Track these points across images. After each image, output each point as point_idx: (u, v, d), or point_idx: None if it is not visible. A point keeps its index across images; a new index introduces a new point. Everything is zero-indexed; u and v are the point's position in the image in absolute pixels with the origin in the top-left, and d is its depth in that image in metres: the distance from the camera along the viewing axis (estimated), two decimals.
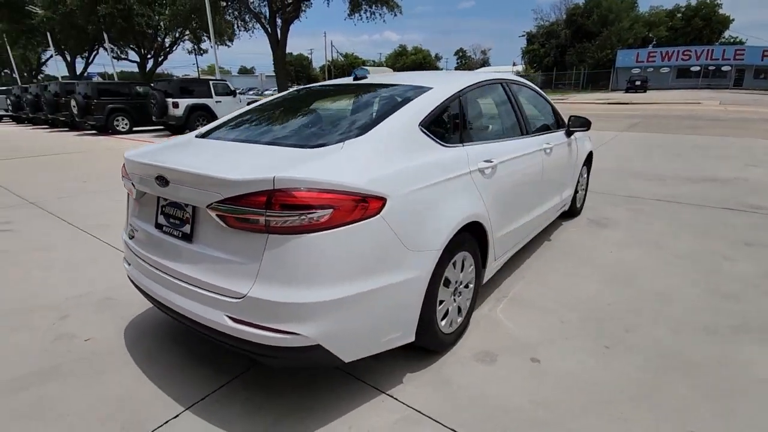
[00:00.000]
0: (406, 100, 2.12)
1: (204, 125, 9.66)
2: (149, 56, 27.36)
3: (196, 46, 28.96)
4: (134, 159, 1.92)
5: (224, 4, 19.06)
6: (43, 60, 39.39)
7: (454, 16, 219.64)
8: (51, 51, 31.98)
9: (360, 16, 21.53)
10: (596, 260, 3.36)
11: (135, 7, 20.33)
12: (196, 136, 2.31)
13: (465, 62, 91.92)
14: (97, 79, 36.97)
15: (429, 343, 2.09)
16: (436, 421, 1.78)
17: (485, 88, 2.75)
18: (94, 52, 32.14)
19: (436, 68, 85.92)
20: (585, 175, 4.47)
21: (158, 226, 1.90)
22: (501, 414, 1.81)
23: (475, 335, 2.39)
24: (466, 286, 2.33)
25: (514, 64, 63.75)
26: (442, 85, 2.32)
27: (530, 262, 3.32)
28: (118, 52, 30.30)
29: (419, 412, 1.83)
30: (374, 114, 2.04)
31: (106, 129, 13.83)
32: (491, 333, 2.41)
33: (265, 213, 1.48)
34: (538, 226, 3.31)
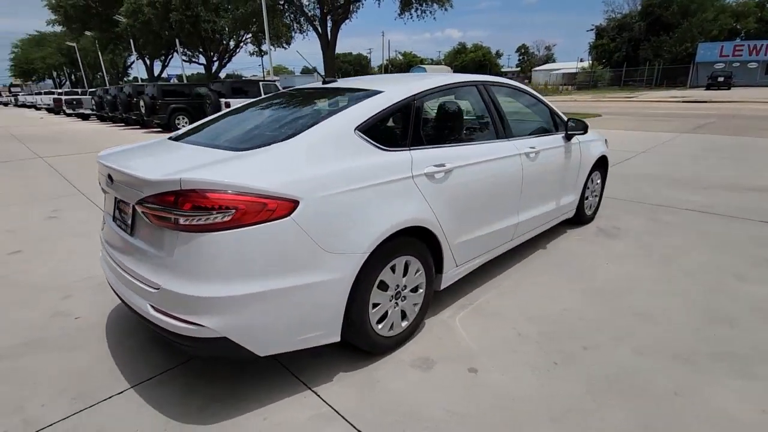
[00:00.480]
0: (351, 105, 2.16)
1: None
2: (215, 59, 29.38)
3: (257, 49, 30.54)
4: (98, 158, 2.14)
5: (281, 7, 19.92)
6: (128, 64, 43.40)
7: (518, 11, 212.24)
8: (134, 56, 35.30)
9: (410, 14, 21.55)
10: (587, 273, 3.17)
11: (201, 14, 21.92)
12: (169, 138, 2.50)
13: (527, 59, 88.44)
14: (174, 80, 40.20)
15: (361, 344, 2.12)
16: (346, 420, 1.81)
17: (452, 90, 2.71)
18: (170, 56, 34.93)
19: (496, 66, 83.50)
20: (597, 181, 4.21)
21: (114, 219, 2.11)
22: (410, 421, 1.80)
23: (423, 340, 2.38)
24: (414, 291, 2.32)
25: (581, 60, 60.35)
26: (394, 90, 2.32)
27: (513, 271, 3.21)
28: (190, 56, 32.77)
29: (335, 410, 1.87)
30: (316, 118, 2.09)
31: (168, 127, 15.04)
32: (440, 340, 2.38)
33: (173, 212, 1.60)
34: (523, 233, 3.19)
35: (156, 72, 37.08)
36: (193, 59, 32.55)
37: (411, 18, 21.96)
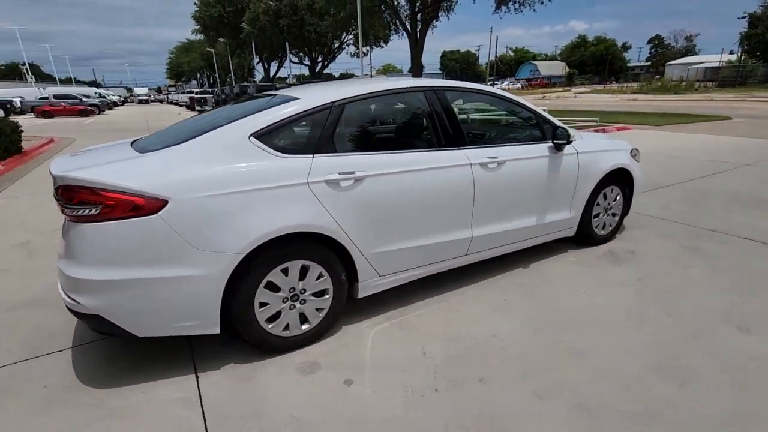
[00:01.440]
0: (257, 112, 2.27)
1: None
2: (319, 60, 31.48)
3: (357, 49, 31.96)
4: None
5: (377, 9, 20.54)
6: (252, 66, 48.61)
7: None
8: (255, 59, 39.46)
9: (508, 8, 20.55)
10: (551, 299, 2.83)
11: (306, 17, 23.66)
12: (131, 143, 2.74)
13: (661, 51, 77.86)
14: (290, 80, 44.14)
15: (249, 339, 2.23)
16: (202, 408, 1.95)
17: (388, 97, 2.63)
18: (284, 59, 38.34)
19: (621, 60, 75.16)
20: (617, 197, 3.68)
21: None
22: (252, 419, 1.87)
23: (326, 346, 2.40)
24: (320, 295, 2.35)
25: (730, 53, 51.27)
26: (312, 97, 2.37)
27: (471, 288, 3.00)
28: (301, 57, 35.59)
29: (200, 397, 2.02)
30: (223, 123, 2.23)
31: None
32: (343, 348, 2.38)
33: (62, 203, 1.90)
34: (486, 248, 2.97)
35: (272, 73, 41.08)
36: (304, 61, 35.33)
37: (509, 12, 20.97)
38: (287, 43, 26.79)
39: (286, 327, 2.30)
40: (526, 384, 2.05)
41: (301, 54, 34.03)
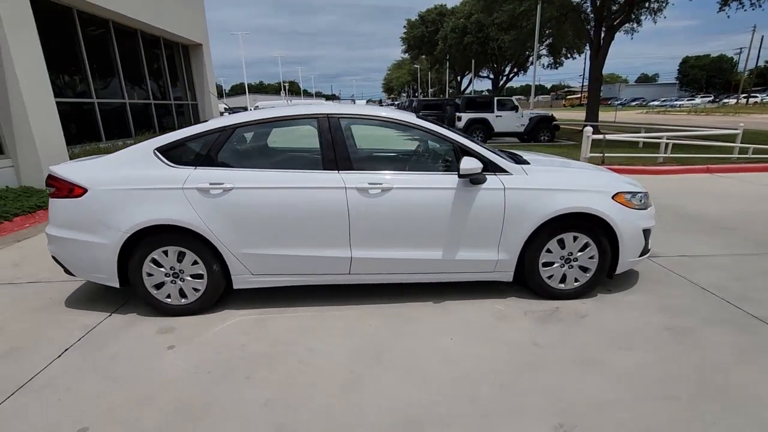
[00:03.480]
0: (178, 130, 3.01)
1: (479, 136, 13.61)
2: (505, 73, 30.88)
3: (552, 61, 30.04)
4: None
5: (564, 18, 19.09)
6: (448, 80, 51.13)
7: None
8: (448, 73, 41.49)
9: (740, 2, 16.12)
10: (407, 340, 2.70)
11: (491, 33, 23.64)
12: None
13: None
14: (485, 94, 44.97)
15: (143, 298, 3.00)
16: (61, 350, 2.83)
17: (277, 123, 3.01)
18: (471, 73, 39.18)
19: None
20: (588, 248, 3.03)
21: None
22: (95, 348, 2.63)
23: (194, 318, 2.98)
24: (197, 278, 2.97)
25: None
26: (216, 121, 2.99)
27: (352, 308, 3.09)
28: (488, 71, 35.75)
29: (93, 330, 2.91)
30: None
31: None
32: (203, 321, 2.92)
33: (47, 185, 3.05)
34: (375, 272, 3.01)
35: (463, 87, 42.46)
36: (490, 75, 35.38)
37: (742, 7, 16.45)
38: (473, 60, 27.42)
39: (168, 296, 3.00)
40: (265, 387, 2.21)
41: (490, 68, 34.16)
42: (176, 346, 2.66)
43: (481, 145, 3.05)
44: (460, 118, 15.03)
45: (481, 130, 14.92)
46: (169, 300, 3.01)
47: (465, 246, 3.01)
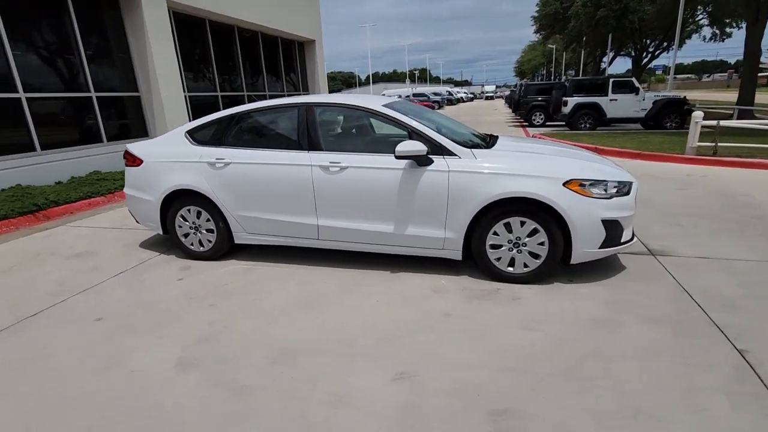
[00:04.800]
0: (204, 117, 3.91)
1: (587, 123, 13.90)
2: (650, 50, 26.39)
3: (715, 31, 24.94)
4: None
5: None
6: (587, 60, 46.20)
7: None
8: (583, 52, 37.57)
9: None
10: (336, 306, 3.15)
11: (631, 5, 20.61)
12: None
13: None
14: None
15: (175, 243, 4.02)
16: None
17: (268, 111, 3.66)
18: (611, 51, 34.72)
19: None
20: (537, 234, 3.05)
21: None
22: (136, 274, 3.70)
23: (207, 263, 3.88)
24: (210, 232, 3.86)
25: None
26: (227, 110, 3.79)
27: (316, 269, 3.62)
28: (629, 49, 31.35)
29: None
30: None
31: (528, 120, 16.83)
32: (209, 266, 3.79)
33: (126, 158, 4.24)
34: (338, 239, 3.50)
35: (602, 66, 37.89)
36: (632, 53, 30.86)
37: None
38: (611, 36, 24.20)
39: (192, 243, 3.94)
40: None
41: (633, 45, 29.78)
42: (183, 279, 3.57)
43: (433, 130, 3.27)
44: (566, 103, 13.91)
45: (590, 116, 13.59)
46: (193, 247, 3.96)
47: (414, 223, 3.29)
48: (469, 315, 2.80)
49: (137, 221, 4.25)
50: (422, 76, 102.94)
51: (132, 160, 4.02)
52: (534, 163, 3.09)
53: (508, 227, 3.11)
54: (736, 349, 2.31)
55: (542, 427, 1.84)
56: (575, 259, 3.07)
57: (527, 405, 1.96)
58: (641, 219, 4.54)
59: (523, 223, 3.07)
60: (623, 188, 3.09)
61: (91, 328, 2.82)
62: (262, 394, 2.11)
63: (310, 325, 2.77)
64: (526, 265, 3.16)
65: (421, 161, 3.17)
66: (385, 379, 2.19)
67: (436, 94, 46.31)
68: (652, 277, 3.23)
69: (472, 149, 3.20)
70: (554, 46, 55.13)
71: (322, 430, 1.87)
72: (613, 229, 3.03)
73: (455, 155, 3.17)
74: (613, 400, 1.97)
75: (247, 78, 12.16)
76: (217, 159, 3.67)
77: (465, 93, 60.54)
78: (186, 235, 3.96)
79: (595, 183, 3.00)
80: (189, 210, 3.86)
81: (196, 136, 3.87)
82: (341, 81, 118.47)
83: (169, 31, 8.61)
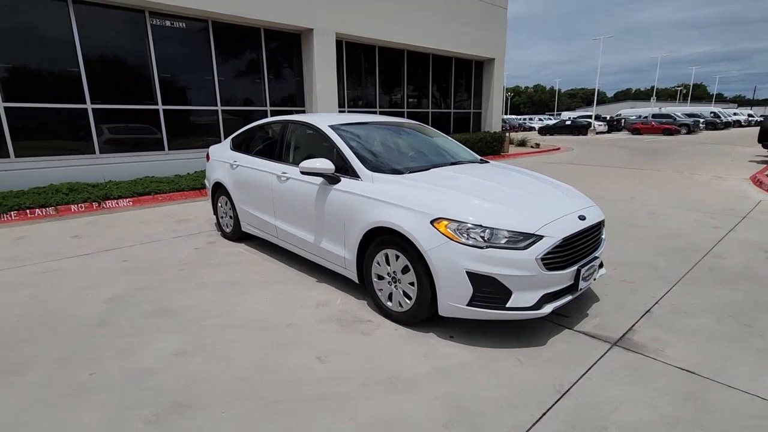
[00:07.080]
0: (240, 129, 4.97)
1: None
2: None
3: None
4: None
5: None
6: None
7: None
8: None
9: None
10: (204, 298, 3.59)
11: None
12: None
13: None
14: None
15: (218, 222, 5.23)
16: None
17: (269, 125, 4.35)
18: None
19: None
20: (409, 273, 2.81)
21: None
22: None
23: (231, 243, 4.92)
24: (231, 218, 4.90)
25: None
26: (253, 124, 4.72)
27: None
28: None
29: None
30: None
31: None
32: (218, 243, 4.81)
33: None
34: (288, 242, 3.95)
35: None
36: None
37: None
38: None
39: (225, 226, 5.07)
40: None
41: None
42: (200, 249, 4.69)
43: (352, 150, 3.33)
44: None
45: None
46: (226, 229, 5.08)
47: (325, 237, 3.44)
48: (306, 328, 2.85)
49: None
50: (694, 93, 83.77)
51: (207, 158, 5.44)
52: (426, 195, 2.81)
53: (387, 259, 2.94)
54: None
55: None
56: (442, 310, 2.66)
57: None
58: None
59: (397, 257, 2.86)
60: (519, 240, 2.49)
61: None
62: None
63: (209, 296, 3.37)
64: (400, 304, 2.91)
65: (329, 179, 3.32)
66: (172, 347, 2.62)
67: (690, 115, 38.02)
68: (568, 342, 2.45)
69: (381, 173, 3.14)
70: None
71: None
72: (484, 286, 2.50)
73: (359, 178, 3.18)
74: None
75: (410, 96, 13.25)
76: (233, 162, 4.65)
77: (747, 115, 45.97)
78: (222, 217, 5.11)
79: (471, 227, 2.53)
80: (222, 198, 4.99)
81: (232, 143, 4.97)
82: (581, 98, 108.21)
83: (333, 57, 10.40)
